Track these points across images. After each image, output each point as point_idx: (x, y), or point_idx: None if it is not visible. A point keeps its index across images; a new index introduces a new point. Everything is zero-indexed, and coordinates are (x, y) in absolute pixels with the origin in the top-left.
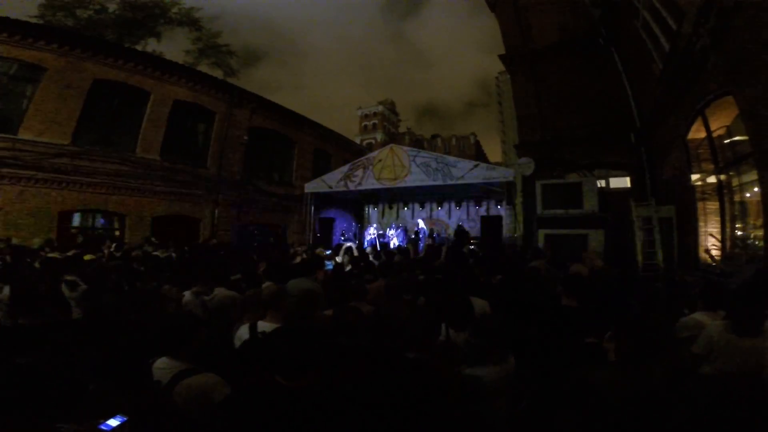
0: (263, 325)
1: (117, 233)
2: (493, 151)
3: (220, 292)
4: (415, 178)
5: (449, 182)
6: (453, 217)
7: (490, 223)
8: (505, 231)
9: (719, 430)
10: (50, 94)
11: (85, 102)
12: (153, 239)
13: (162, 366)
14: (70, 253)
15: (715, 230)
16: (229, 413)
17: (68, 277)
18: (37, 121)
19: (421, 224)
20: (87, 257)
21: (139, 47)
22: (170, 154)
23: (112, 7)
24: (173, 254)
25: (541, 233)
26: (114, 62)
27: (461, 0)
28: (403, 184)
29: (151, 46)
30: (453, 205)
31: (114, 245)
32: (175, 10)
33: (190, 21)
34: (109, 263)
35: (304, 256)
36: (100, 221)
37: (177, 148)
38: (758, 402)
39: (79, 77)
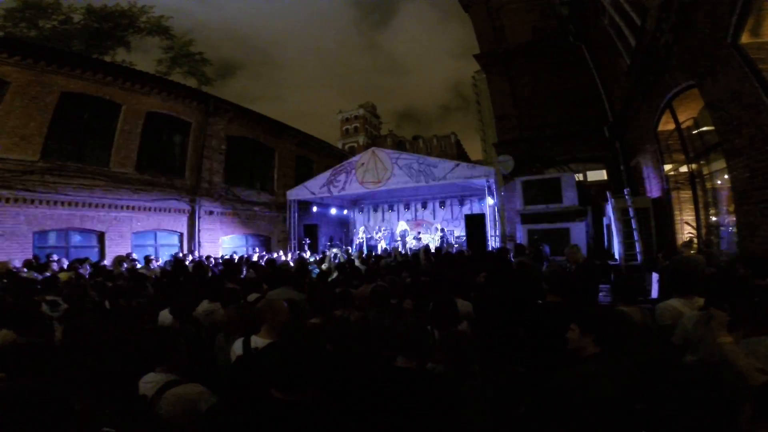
0: (257, 340)
1: (97, 251)
2: (474, 149)
3: (211, 307)
4: (398, 180)
5: (431, 183)
6: (438, 217)
7: (474, 222)
8: (489, 228)
9: (702, 419)
10: (15, 108)
11: (53, 116)
12: (134, 255)
13: (148, 380)
14: (48, 273)
15: (691, 218)
16: (215, 422)
17: (48, 297)
18: (3, 137)
19: (404, 226)
20: (63, 276)
21: (108, 58)
22: (146, 167)
23: (77, 17)
24: (156, 269)
25: (524, 228)
26: (82, 74)
27: (430, 9)
28: (386, 187)
29: (121, 55)
30: (437, 204)
31: (94, 263)
32: (144, 19)
33: (161, 30)
34: (88, 281)
35: (291, 264)
36: (77, 239)
37: (153, 161)
38: (727, 395)
39: (45, 91)
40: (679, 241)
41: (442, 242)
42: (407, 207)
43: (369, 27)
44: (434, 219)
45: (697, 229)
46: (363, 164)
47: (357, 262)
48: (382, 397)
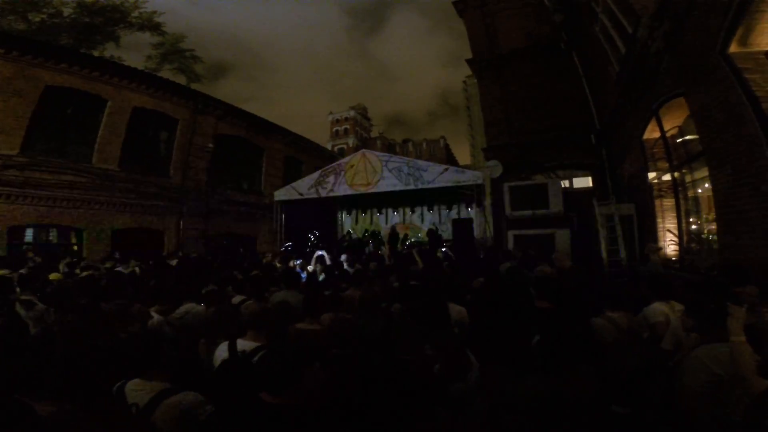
0: (243, 344)
1: (75, 248)
2: (462, 154)
3: (186, 308)
4: (388, 183)
5: (421, 186)
6: (426, 221)
7: (461, 226)
8: (476, 233)
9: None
10: None
11: (36, 110)
12: (116, 254)
13: (137, 387)
14: (23, 271)
15: (673, 226)
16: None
17: (23, 297)
18: None
19: (394, 229)
20: (53, 276)
21: (96, 52)
22: (130, 164)
23: (67, 11)
24: (136, 269)
25: (510, 234)
26: (68, 68)
27: (420, 18)
28: (375, 190)
29: (110, 50)
30: (425, 208)
31: (70, 261)
32: (135, 14)
33: (152, 25)
34: (67, 281)
35: (278, 265)
36: (55, 236)
37: (137, 158)
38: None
39: (29, 84)
40: (662, 249)
41: (431, 246)
42: (396, 210)
43: (360, 34)
44: (422, 223)
45: (679, 236)
46: (353, 166)
47: (345, 265)
48: (385, 395)
